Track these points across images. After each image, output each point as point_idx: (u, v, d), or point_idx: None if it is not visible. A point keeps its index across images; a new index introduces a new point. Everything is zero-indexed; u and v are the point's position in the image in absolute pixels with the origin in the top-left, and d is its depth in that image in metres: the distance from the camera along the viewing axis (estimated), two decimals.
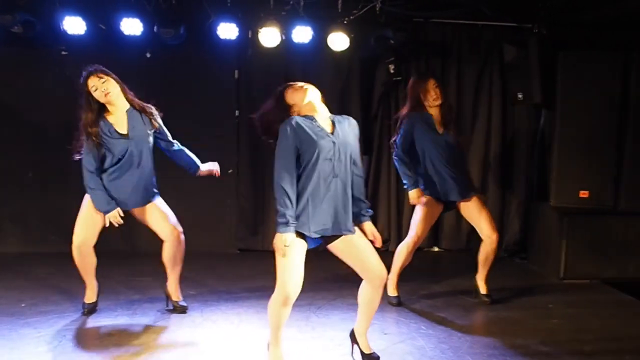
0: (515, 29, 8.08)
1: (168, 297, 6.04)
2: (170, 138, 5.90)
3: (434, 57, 8.48)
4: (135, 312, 5.94)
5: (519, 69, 7.96)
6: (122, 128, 5.58)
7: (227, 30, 7.54)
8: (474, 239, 8.62)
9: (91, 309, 5.86)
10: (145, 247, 7.60)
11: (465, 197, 6.27)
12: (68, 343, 5.13)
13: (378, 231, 4.67)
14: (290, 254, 4.31)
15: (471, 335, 5.51)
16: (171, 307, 5.99)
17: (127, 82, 6.43)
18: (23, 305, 6.05)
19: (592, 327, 5.86)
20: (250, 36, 7.84)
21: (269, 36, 7.50)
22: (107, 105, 5.57)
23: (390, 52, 8.10)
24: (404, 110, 6.35)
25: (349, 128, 4.56)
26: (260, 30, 7.49)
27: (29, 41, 7.63)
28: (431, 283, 7.17)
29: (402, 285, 6.51)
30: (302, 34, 7.57)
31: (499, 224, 8.65)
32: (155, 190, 5.83)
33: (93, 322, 5.68)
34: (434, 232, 8.73)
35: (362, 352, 4.83)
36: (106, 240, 5.83)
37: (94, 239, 5.66)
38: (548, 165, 7.83)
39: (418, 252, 8.43)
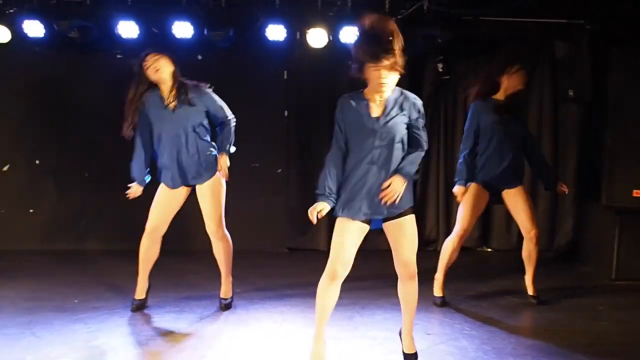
0: (566, 26, 7.96)
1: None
2: (222, 120, 5.96)
3: (483, 55, 8.42)
4: (183, 309, 6.09)
5: (570, 66, 7.87)
6: (170, 104, 5.77)
7: (276, 32, 7.63)
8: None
9: (140, 306, 6.02)
10: (200, 245, 7.82)
11: (512, 185, 6.25)
12: (117, 339, 5.29)
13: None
14: (343, 232, 4.43)
15: (515, 336, 5.48)
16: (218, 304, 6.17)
17: None
18: (76, 301, 6.26)
19: None
20: (298, 37, 7.91)
21: (317, 37, 7.60)
22: (159, 84, 5.80)
23: (438, 51, 8.09)
24: (474, 92, 6.34)
25: (405, 109, 4.45)
26: (308, 31, 7.58)
27: (85, 46, 7.88)
28: (478, 283, 7.17)
29: (449, 285, 6.51)
30: (350, 34, 7.60)
31: (550, 224, 8.61)
32: (208, 172, 5.86)
33: (141, 318, 5.84)
34: (483, 232, 8.72)
35: (402, 351, 4.88)
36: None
37: (165, 226, 5.91)
38: (600, 164, 7.71)
39: (467, 252, 8.52)
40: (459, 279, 7.01)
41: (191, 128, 5.77)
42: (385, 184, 4.38)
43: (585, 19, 7.65)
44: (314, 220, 4.40)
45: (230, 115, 5.97)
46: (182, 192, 5.89)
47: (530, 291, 6.45)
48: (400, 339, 4.90)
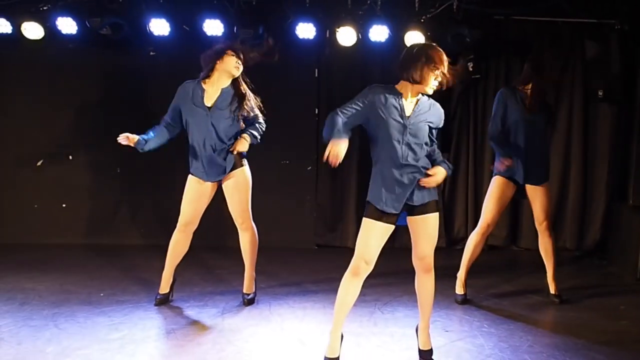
0: (596, 25, 7.90)
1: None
2: (252, 121, 6.06)
3: (514, 55, 8.41)
4: (206, 303, 6.17)
5: (600, 65, 7.81)
6: (209, 101, 5.87)
7: (306, 30, 7.69)
8: (559, 235, 8.61)
9: (163, 300, 6.11)
10: (226, 241, 7.92)
11: (541, 182, 6.27)
12: (138, 332, 5.38)
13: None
14: (369, 230, 4.58)
15: (533, 334, 5.49)
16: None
17: None
18: (102, 294, 6.38)
19: None
20: (328, 36, 7.95)
21: (346, 35, 7.65)
22: (215, 77, 5.93)
23: (469, 50, 8.07)
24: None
25: (434, 114, 4.71)
26: (337, 29, 7.62)
27: (118, 43, 8.00)
28: (502, 281, 7.16)
29: (473, 283, 6.55)
30: (379, 32, 7.63)
31: (579, 223, 8.54)
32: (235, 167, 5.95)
33: (164, 312, 5.93)
34: (512, 231, 8.68)
35: (418, 348, 4.90)
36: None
37: (197, 221, 6.02)
38: (629, 164, 7.64)
39: (495, 250, 8.50)
40: (483, 277, 7.05)
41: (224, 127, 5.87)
42: (430, 171, 4.55)
43: (615, 18, 7.58)
44: (337, 162, 4.45)
45: (261, 119, 6.11)
46: (211, 185, 5.97)
47: (552, 289, 6.44)
48: (417, 335, 4.93)
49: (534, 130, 6.19)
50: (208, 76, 5.92)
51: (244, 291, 6.22)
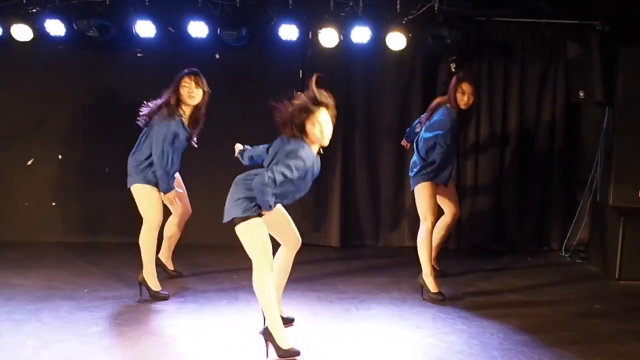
0: (578, 26, 7.98)
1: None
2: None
3: (496, 55, 8.50)
4: (186, 299, 6.32)
5: (581, 66, 7.88)
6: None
7: (289, 32, 7.78)
8: (541, 237, 8.70)
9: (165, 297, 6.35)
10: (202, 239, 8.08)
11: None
12: (116, 326, 5.53)
13: None
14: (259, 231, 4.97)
15: (504, 332, 5.58)
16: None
17: None
18: (86, 290, 6.53)
19: (635, 329, 5.81)
20: (310, 37, 8.05)
21: (328, 37, 7.74)
22: (182, 104, 6.30)
23: (451, 51, 8.18)
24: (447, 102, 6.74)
25: None
26: (320, 31, 7.72)
27: (105, 44, 8.13)
28: (480, 280, 7.25)
29: (450, 281, 6.76)
30: (361, 34, 7.73)
31: (563, 224, 8.61)
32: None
33: (145, 308, 6.07)
34: (495, 231, 8.77)
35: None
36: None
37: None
38: (610, 164, 7.71)
39: (476, 249, 8.60)
40: (462, 275, 7.15)
41: None
42: None
43: (596, 19, 7.66)
44: None
45: None
46: None
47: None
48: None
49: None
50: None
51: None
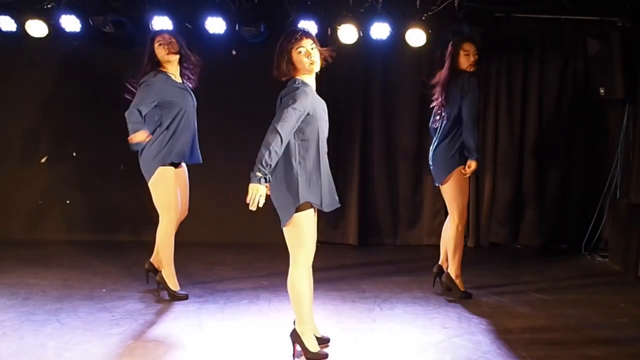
0: (598, 23, 7.90)
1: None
2: None
3: (516, 52, 8.43)
4: (207, 299, 6.23)
5: (602, 63, 7.81)
6: (178, 79, 6.18)
7: (307, 28, 7.67)
8: (561, 235, 8.61)
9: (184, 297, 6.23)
10: (226, 238, 8.00)
11: None
12: (138, 327, 5.44)
13: None
14: (309, 224, 4.67)
15: (531, 332, 5.48)
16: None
17: (214, 78, 7.29)
18: (104, 290, 6.45)
19: None
20: (329, 33, 7.98)
21: (348, 33, 7.66)
22: (164, 63, 6.14)
23: None
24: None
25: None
26: (339, 27, 7.65)
27: (121, 40, 8.06)
28: (503, 279, 7.17)
29: (473, 280, 6.65)
30: (380, 30, 7.66)
31: (582, 221, 8.54)
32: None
33: (165, 307, 5.99)
34: (513, 228, 8.69)
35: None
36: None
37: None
38: (631, 161, 7.64)
39: (496, 247, 8.54)
40: (484, 274, 7.09)
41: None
42: None
43: (617, 16, 7.58)
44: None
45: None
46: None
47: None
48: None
49: None
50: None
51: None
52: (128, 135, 6.04)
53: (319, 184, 4.63)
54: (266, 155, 4.36)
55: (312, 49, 4.78)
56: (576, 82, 8.46)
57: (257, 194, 4.36)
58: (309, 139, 4.62)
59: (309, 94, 4.63)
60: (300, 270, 4.70)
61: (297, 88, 4.62)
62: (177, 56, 6.19)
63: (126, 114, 6.05)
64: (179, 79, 6.21)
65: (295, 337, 4.78)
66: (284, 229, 4.67)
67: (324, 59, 4.89)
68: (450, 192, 6.27)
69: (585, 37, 8.11)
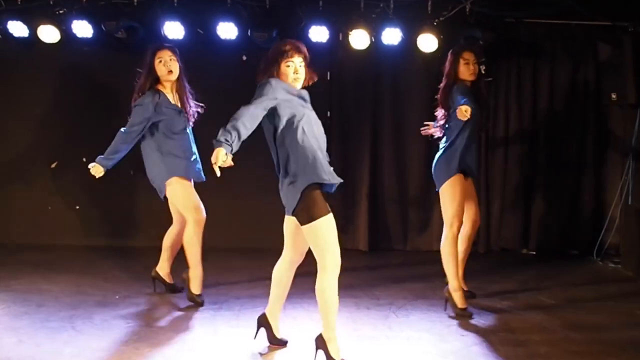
0: (609, 28, 7.91)
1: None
2: None
3: (526, 57, 8.43)
4: (221, 306, 6.22)
5: (613, 68, 7.82)
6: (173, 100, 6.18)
7: (319, 33, 7.70)
8: (572, 241, 8.59)
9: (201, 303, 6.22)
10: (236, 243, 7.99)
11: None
12: (153, 334, 5.43)
13: None
14: (332, 231, 4.72)
15: (549, 341, 5.42)
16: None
17: (224, 83, 7.42)
18: (117, 297, 6.44)
19: None
20: (341, 39, 7.98)
21: (359, 38, 7.66)
22: (164, 82, 6.14)
23: (481, 52, 8.09)
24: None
25: None
26: (350, 32, 7.65)
27: (133, 46, 8.04)
28: (516, 285, 7.15)
29: (487, 287, 6.69)
30: (392, 35, 7.66)
31: (595, 227, 8.52)
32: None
33: (180, 314, 6.00)
34: (523, 234, 8.68)
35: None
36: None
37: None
38: None
39: (507, 253, 8.52)
40: (497, 281, 7.07)
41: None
42: None
43: (628, 20, 7.59)
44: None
45: None
46: None
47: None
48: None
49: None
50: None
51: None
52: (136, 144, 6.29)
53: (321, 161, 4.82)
54: (228, 124, 4.59)
55: (300, 66, 4.84)
56: (587, 87, 8.45)
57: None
58: (295, 124, 4.86)
59: (275, 85, 4.76)
60: (329, 277, 4.72)
61: (271, 83, 4.77)
62: (176, 76, 6.16)
63: (117, 134, 6.30)
64: (174, 100, 6.19)
65: (320, 342, 4.76)
66: (308, 238, 4.71)
67: (309, 79, 4.96)
68: (442, 200, 6.18)
69: (596, 42, 8.11)
